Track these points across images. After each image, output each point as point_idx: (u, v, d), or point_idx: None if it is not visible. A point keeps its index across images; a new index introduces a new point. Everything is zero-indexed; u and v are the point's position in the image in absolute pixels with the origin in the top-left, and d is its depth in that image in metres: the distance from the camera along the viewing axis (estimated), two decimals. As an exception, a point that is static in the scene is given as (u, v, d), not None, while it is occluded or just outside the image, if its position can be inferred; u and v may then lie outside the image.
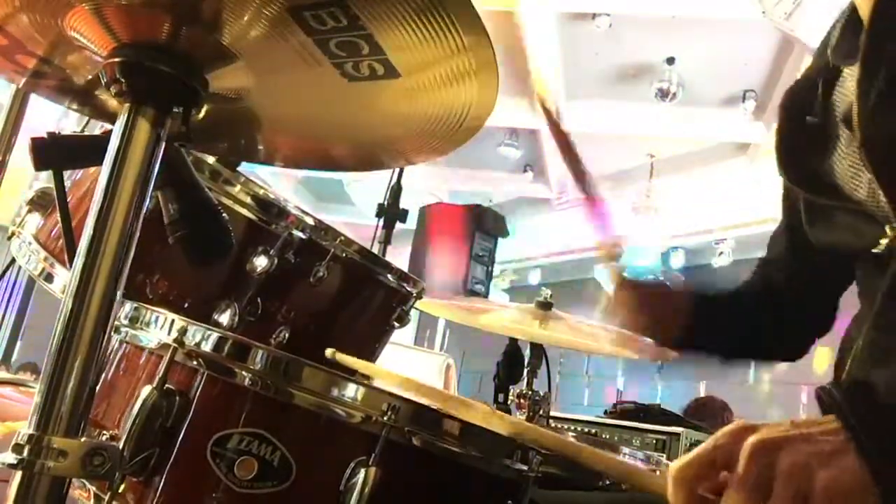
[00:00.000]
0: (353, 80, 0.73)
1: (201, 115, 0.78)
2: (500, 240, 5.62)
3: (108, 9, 0.69)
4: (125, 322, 0.91)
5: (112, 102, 0.75)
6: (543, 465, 0.94)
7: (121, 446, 0.75)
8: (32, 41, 0.78)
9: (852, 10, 0.92)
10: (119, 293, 0.70)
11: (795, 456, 0.59)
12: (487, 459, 0.87)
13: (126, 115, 0.71)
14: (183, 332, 0.82)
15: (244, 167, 1.19)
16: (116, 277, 0.69)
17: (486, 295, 5.24)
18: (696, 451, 0.63)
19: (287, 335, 1.21)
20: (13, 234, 1.28)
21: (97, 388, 0.70)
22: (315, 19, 0.65)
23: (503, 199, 7.45)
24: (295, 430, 0.80)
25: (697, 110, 5.41)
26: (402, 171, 2.67)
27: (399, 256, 5.76)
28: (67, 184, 0.99)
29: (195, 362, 0.81)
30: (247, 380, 0.79)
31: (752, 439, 0.60)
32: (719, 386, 4.58)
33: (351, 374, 0.98)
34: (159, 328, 0.86)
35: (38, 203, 1.25)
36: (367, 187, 7.02)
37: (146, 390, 0.79)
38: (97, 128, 1.14)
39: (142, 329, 0.89)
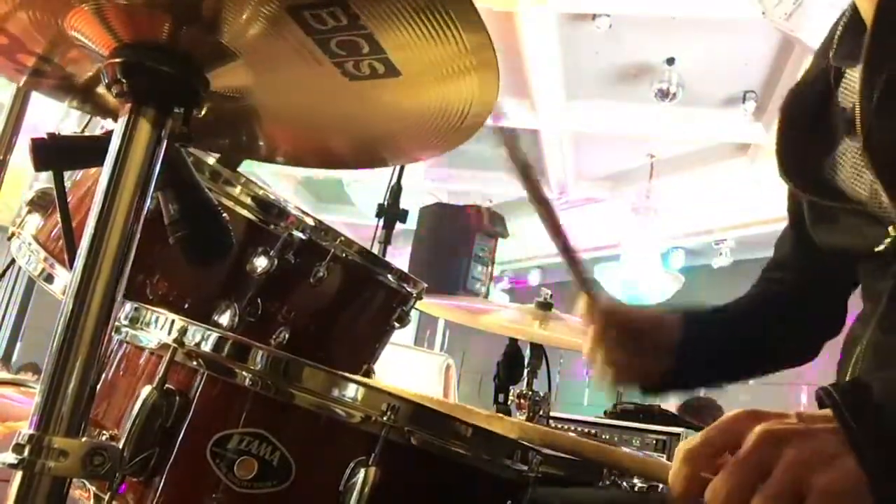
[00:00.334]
0: (353, 79, 0.73)
1: (202, 114, 0.78)
2: (500, 240, 5.62)
3: (109, 9, 0.69)
4: (125, 322, 0.91)
5: (113, 99, 0.75)
6: (543, 465, 0.95)
7: (121, 446, 0.75)
8: (33, 40, 0.78)
9: (854, 11, 0.92)
10: (120, 294, 0.70)
11: (800, 452, 0.59)
12: (487, 459, 0.87)
13: (127, 116, 0.71)
14: (183, 332, 0.82)
15: (244, 168, 1.19)
16: (117, 278, 0.69)
17: (486, 295, 5.23)
18: (704, 432, 0.64)
19: (287, 335, 1.21)
20: (13, 234, 1.28)
21: (97, 388, 0.70)
22: (315, 19, 0.65)
23: (503, 199, 7.45)
24: (295, 430, 0.80)
25: (697, 110, 5.41)
26: (402, 171, 2.67)
27: (399, 256, 5.77)
28: (67, 184, 0.99)
29: (195, 362, 0.81)
30: (247, 380, 0.79)
31: (760, 428, 0.61)
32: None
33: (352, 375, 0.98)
34: (159, 328, 0.86)
35: (38, 203, 1.25)
36: (367, 187, 7.02)
37: (146, 390, 0.79)
38: (97, 128, 1.14)
39: (142, 329, 0.89)
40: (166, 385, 0.79)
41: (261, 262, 1.13)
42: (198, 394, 0.80)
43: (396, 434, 0.78)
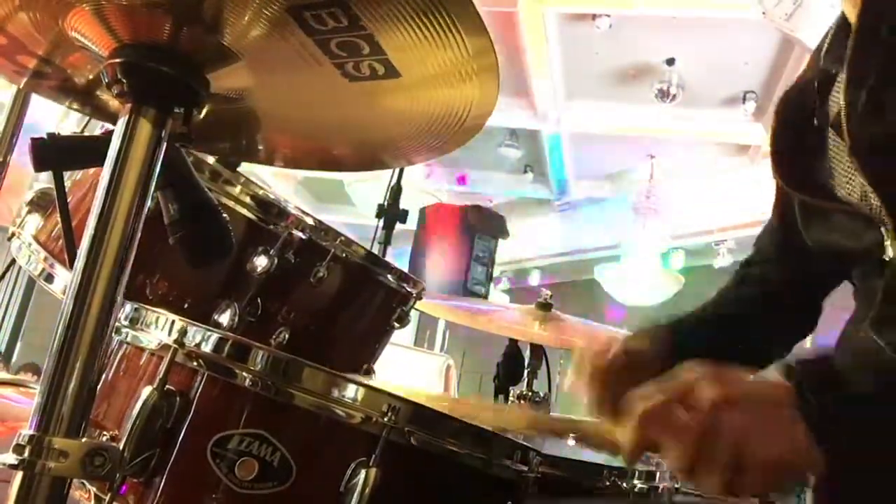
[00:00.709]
0: (353, 80, 0.73)
1: (202, 115, 0.78)
2: (500, 240, 5.62)
3: (109, 9, 0.69)
4: (125, 323, 0.91)
5: (113, 102, 0.75)
6: (543, 465, 0.94)
7: (121, 447, 0.75)
8: (33, 41, 0.78)
9: (843, 16, 0.93)
10: (120, 294, 0.70)
11: (741, 421, 0.62)
12: (487, 460, 0.87)
13: (127, 116, 0.71)
14: (183, 332, 0.82)
15: (244, 167, 1.19)
16: (117, 278, 0.69)
17: (485, 296, 5.24)
18: (661, 391, 0.67)
19: (287, 336, 1.21)
20: (13, 234, 1.28)
21: (98, 388, 0.70)
22: (315, 19, 0.65)
23: (503, 199, 7.45)
24: (295, 431, 0.80)
25: (697, 111, 5.41)
26: (402, 171, 2.66)
27: (399, 257, 5.77)
28: (67, 184, 0.99)
29: (195, 363, 0.81)
30: (247, 380, 0.79)
31: (710, 393, 0.64)
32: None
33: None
34: (159, 329, 0.86)
35: (38, 204, 1.25)
36: (367, 187, 7.02)
37: (146, 391, 0.79)
38: (97, 128, 1.14)
39: (142, 330, 0.89)
40: (167, 386, 0.79)
41: (261, 262, 1.13)
42: (198, 394, 0.80)
43: (397, 435, 0.79)
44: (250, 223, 1.15)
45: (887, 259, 0.87)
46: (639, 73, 5.15)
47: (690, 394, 0.65)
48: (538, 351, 2.02)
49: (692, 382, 0.66)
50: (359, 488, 0.76)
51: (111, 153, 0.71)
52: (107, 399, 0.89)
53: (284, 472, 0.77)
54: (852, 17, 0.87)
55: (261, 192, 1.17)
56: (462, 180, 6.95)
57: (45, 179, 1.27)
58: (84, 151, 0.88)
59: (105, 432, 0.85)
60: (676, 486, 1.27)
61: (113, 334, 0.75)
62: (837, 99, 0.92)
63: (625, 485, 1.35)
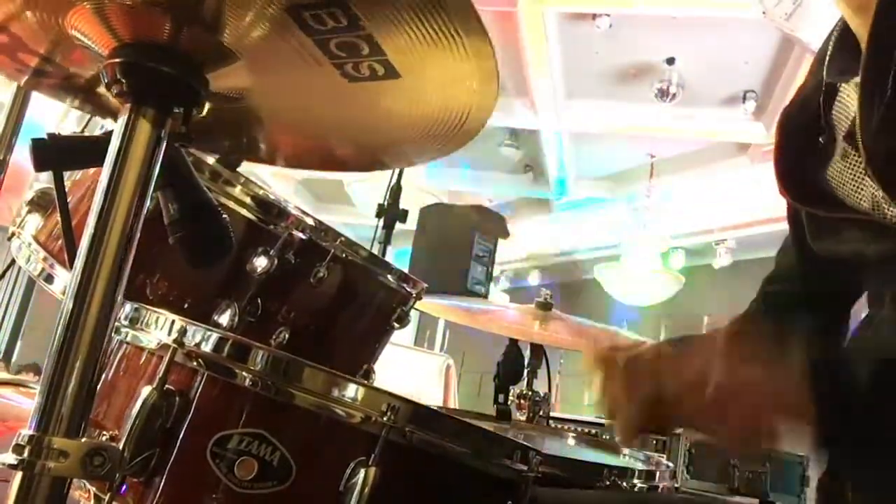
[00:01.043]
0: (353, 81, 0.73)
1: (202, 114, 0.78)
2: (500, 240, 5.62)
3: (109, 8, 0.69)
4: (125, 322, 0.91)
5: (113, 99, 0.75)
6: (543, 465, 0.94)
7: (121, 447, 0.75)
8: (34, 39, 0.78)
9: (844, 25, 0.92)
10: (120, 294, 0.70)
11: None
12: (487, 459, 0.87)
13: (127, 116, 0.71)
14: (183, 332, 0.82)
15: (244, 167, 1.19)
16: (117, 278, 0.69)
17: (486, 296, 5.23)
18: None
19: (287, 336, 1.21)
20: (13, 234, 1.28)
21: (97, 388, 0.70)
22: (315, 19, 0.65)
23: (503, 199, 7.45)
24: (295, 431, 0.80)
25: (697, 110, 5.41)
26: (402, 171, 2.67)
27: (399, 257, 5.76)
28: (67, 184, 0.99)
29: (195, 363, 0.81)
30: (247, 380, 0.79)
31: None
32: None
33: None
34: (159, 329, 0.86)
35: (38, 203, 1.25)
36: (367, 187, 7.02)
37: (146, 391, 0.79)
38: (98, 128, 1.14)
39: (142, 329, 0.89)
40: (166, 385, 0.79)
41: (261, 262, 1.13)
42: (198, 394, 0.80)
43: (397, 434, 0.79)
44: (250, 223, 1.15)
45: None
46: (639, 72, 5.15)
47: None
48: (538, 351, 2.01)
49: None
50: (358, 488, 0.76)
51: (111, 153, 0.71)
52: (106, 399, 0.89)
53: (284, 472, 0.77)
54: (862, 30, 0.87)
55: (261, 192, 1.17)
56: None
57: (45, 179, 1.27)
58: (84, 151, 0.88)
59: (105, 432, 0.85)
60: (676, 485, 1.27)
61: (113, 334, 0.75)
62: (843, 109, 0.92)
63: (625, 484, 1.35)
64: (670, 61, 4.97)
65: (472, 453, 0.84)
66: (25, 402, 1.57)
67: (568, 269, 7.95)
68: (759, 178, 5.61)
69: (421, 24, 0.63)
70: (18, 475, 0.65)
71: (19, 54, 0.82)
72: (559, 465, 1.30)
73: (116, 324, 0.86)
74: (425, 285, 1.40)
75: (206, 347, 0.81)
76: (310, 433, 0.80)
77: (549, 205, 7.47)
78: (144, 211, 0.72)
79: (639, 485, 1.37)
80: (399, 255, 5.84)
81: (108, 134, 0.73)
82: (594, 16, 4.62)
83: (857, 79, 0.84)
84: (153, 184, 0.72)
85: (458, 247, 4.78)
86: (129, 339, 0.91)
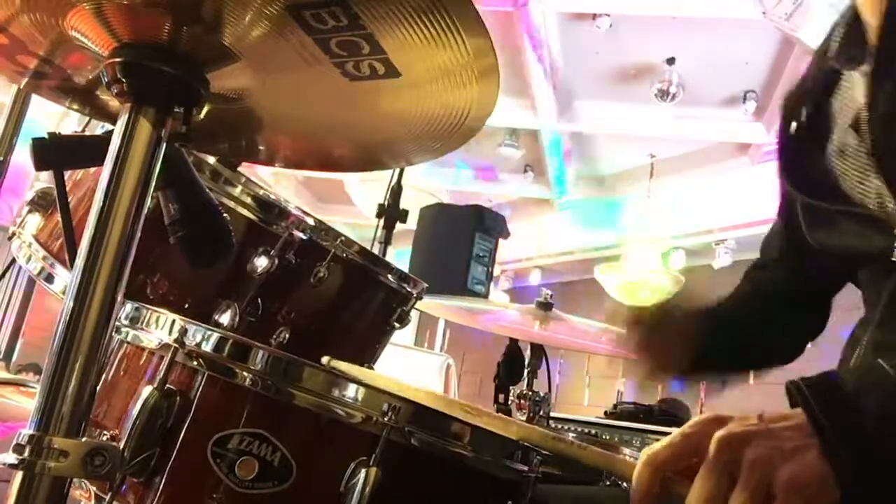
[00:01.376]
0: (353, 80, 0.73)
1: (202, 115, 0.78)
2: (500, 240, 5.62)
3: (109, 8, 0.69)
4: (126, 322, 0.91)
5: (113, 102, 0.75)
6: (544, 465, 0.95)
7: (121, 447, 0.75)
8: (34, 41, 0.78)
9: (854, 13, 0.92)
10: (120, 294, 0.70)
11: (759, 450, 0.60)
12: (488, 460, 0.87)
13: (127, 116, 0.71)
14: (183, 332, 0.82)
15: (244, 167, 1.19)
16: (117, 278, 0.69)
17: (486, 296, 5.23)
18: (667, 438, 0.65)
19: (287, 335, 1.21)
20: (13, 234, 1.28)
21: (98, 388, 0.70)
22: (315, 19, 0.65)
23: (503, 199, 7.45)
24: (295, 431, 0.80)
25: (697, 110, 5.41)
26: (402, 171, 2.66)
27: (399, 257, 5.76)
28: (68, 184, 0.99)
29: (196, 362, 0.81)
30: (247, 380, 0.79)
31: (719, 433, 0.62)
32: (719, 387, 4.57)
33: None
34: (160, 328, 0.86)
35: (39, 203, 1.25)
36: (368, 187, 7.02)
37: (147, 390, 0.79)
38: (98, 128, 1.14)
39: (142, 329, 0.89)
40: (167, 385, 0.79)
41: (261, 262, 1.13)
42: (198, 394, 0.80)
43: (397, 434, 0.79)
44: (251, 223, 1.15)
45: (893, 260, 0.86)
46: (639, 72, 5.14)
47: (698, 438, 0.63)
48: (538, 351, 2.01)
49: (697, 426, 0.65)
50: (359, 488, 0.76)
51: (111, 153, 0.71)
52: (107, 399, 0.89)
53: (284, 472, 0.77)
54: (870, 21, 0.86)
55: (261, 192, 1.17)
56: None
57: (45, 179, 1.27)
58: (84, 151, 0.88)
59: (105, 432, 0.85)
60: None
61: (113, 334, 0.75)
62: (847, 98, 0.91)
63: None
64: (670, 61, 4.97)
65: (472, 453, 0.84)
66: (25, 402, 1.57)
67: (568, 269, 7.94)
68: (759, 178, 5.61)
69: (421, 23, 0.63)
70: (19, 475, 0.65)
71: (19, 56, 0.82)
72: (559, 464, 1.30)
73: (117, 323, 0.86)
74: (425, 285, 1.40)
75: (207, 347, 0.81)
76: (310, 433, 0.80)
77: (550, 205, 7.47)
78: (145, 211, 0.71)
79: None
80: (399, 255, 5.83)
81: (109, 133, 0.73)
82: (594, 16, 4.62)
83: (865, 67, 0.84)
84: (153, 184, 0.72)
85: (458, 247, 4.78)
86: (129, 338, 0.91)
